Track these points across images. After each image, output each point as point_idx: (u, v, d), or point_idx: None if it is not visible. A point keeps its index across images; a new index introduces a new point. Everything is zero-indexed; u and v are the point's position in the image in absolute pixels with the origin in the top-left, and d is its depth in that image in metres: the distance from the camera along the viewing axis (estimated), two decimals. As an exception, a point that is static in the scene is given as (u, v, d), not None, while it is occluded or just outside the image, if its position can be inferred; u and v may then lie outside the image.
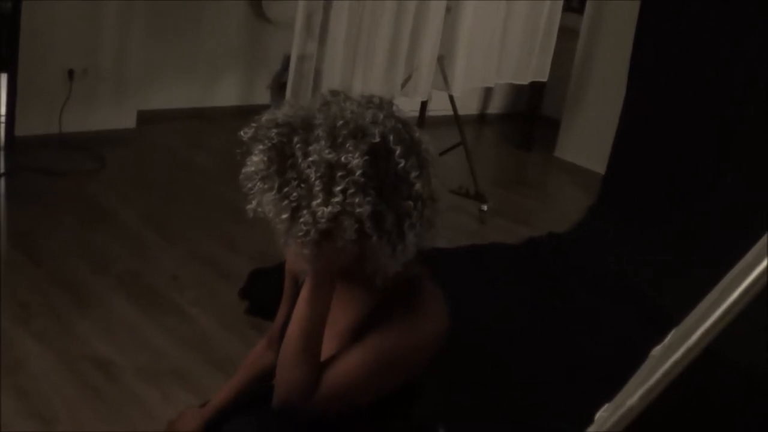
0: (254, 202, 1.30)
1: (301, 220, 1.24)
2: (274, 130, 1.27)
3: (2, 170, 3.96)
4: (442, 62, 4.13)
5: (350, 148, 1.23)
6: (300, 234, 1.25)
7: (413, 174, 1.29)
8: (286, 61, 4.21)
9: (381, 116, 1.29)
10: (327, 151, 1.23)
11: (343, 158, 1.22)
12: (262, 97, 5.39)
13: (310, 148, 1.24)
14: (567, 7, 5.33)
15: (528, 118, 6.02)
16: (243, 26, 5.25)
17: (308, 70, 3.59)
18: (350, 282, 1.43)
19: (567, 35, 5.24)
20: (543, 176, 5.63)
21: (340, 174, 1.22)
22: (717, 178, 4.22)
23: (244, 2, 5.19)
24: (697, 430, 2.68)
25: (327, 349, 1.38)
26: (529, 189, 5.26)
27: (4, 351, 2.52)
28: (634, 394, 1.07)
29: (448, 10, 4.00)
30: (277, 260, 1.53)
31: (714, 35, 4.30)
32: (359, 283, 1.41)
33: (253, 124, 1.31)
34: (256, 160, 1.28)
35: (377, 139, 1.25)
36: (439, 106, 4.80)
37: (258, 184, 1.27)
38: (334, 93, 1.36)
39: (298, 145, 1.25)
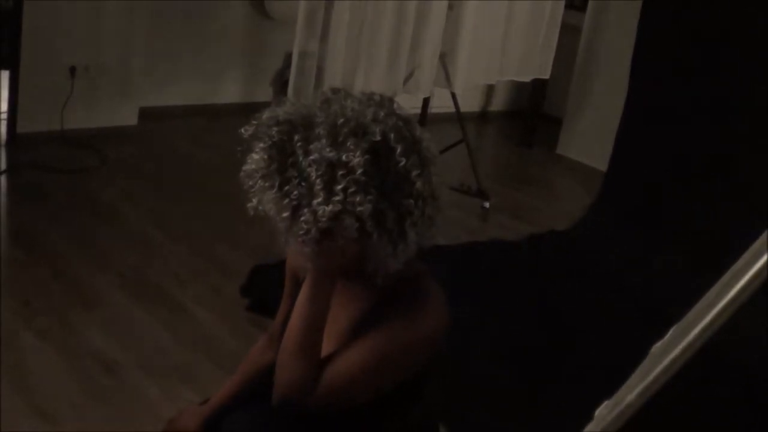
0: (255, 200, 1.30)
1: (302, 218, 1.24)
2: (275, 128, 1.27)
3: (4, 167, 3.97)
4: (444, 59, 4.13)
5: (351, 147, 1.23)
6: (301, 233, 1.25)
7: (414, 172, 1.29)
8: (288, 58, 4.21)
9: (382, 114, 1.29)
10: (328, 150, 1.23)
11: (343, 157, 1.22)
12: (265, 94, 5.38)
13: (311, 146, 1.24)
14: (569, 5, 5.33)
15: (530, 115, 6.01)
16: (245, 24, 5.24)
17: (310, 68, 3.59)
18: (351, 280, 1.43)
19: (569, 32, 5.23)
20: (545, 173, 5.62)
21: (341, 172, 1.22)
22: (720, 177, 4.21)
23: (246, 0, 5.19)
24: (697, 427, 2.68)
25: (327, 347, 1.38)
26: (531, 186, 5.25)
27: (5, 348, 2.52)
28: (633, 391, 1.07)
29: (450, 7, 4.00)
30: (278, 257, 1.53)
31: (717, 33, 4.29)
32: (360, 281, 1.41)
33: (254, 122, 1.31)
34: (256, 158, 1.27)
35: (378, 138, 1.25)
36: (442, 104, 4.80)
37: (259, 182, 1.27)
38: (335, 91, 1.35)
39: (299, 144, 1.25)
